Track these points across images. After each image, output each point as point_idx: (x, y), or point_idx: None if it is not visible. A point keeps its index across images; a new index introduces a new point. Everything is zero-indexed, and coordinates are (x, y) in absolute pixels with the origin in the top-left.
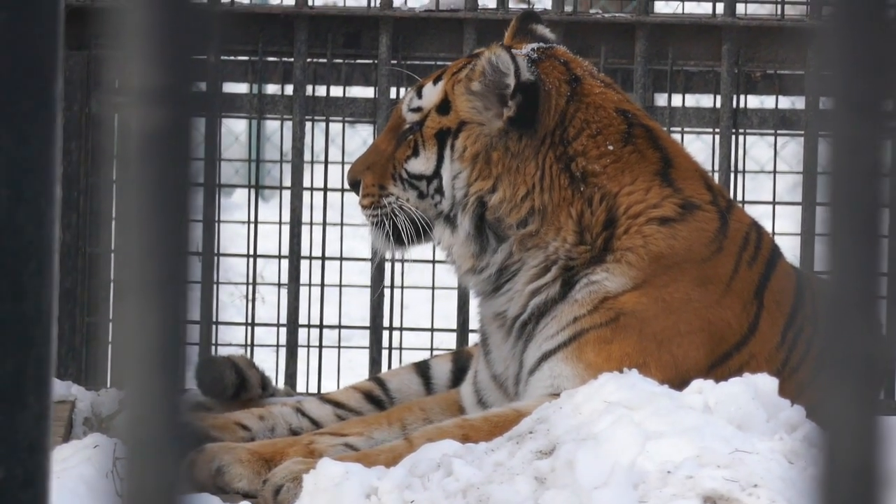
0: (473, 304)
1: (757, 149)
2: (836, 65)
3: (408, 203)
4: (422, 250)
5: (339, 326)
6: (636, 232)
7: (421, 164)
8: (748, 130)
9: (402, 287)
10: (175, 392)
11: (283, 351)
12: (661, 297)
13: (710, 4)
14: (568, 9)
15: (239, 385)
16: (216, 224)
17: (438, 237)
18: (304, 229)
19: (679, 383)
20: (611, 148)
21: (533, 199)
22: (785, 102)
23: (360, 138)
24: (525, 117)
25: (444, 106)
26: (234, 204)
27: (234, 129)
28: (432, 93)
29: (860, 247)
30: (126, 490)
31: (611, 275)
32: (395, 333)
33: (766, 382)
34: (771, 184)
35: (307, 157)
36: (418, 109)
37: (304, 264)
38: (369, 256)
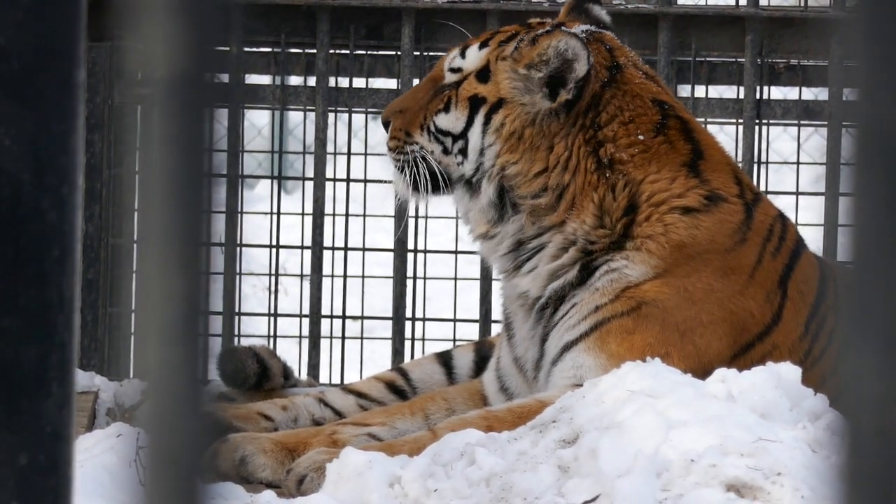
0: (496, 294)
1: (780, 141)
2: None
3: (431, 155)
4: (445, 243)
5: (362, 317)
6: (657, 220)
7: (450, 122)
8: (771, 121)
9: (425, 278)
10: (197, 380)
11: (305, 342)
12: (684, 287)
13: None
14: None
15: (261, 374)
16: (239, 215)
17: (458, 200)
18: (327, 220)
19: (702, 374)
20: (641, 137)
21: (548, 176)
22: (808, 94)
23: (383, 132)
24: (574, 100)
25: (483, 73)
26: (257, 196)
27: (257, 122)
28: (475, 57)
29: (886, 227)
30: (149, 478)
31: (631, 262)
32: (418, 324)
33: (789, 371)
34: (794, 176)
35: (330, 148)
36: (458, 70)
37: (326, 255)
38: (392, 247)
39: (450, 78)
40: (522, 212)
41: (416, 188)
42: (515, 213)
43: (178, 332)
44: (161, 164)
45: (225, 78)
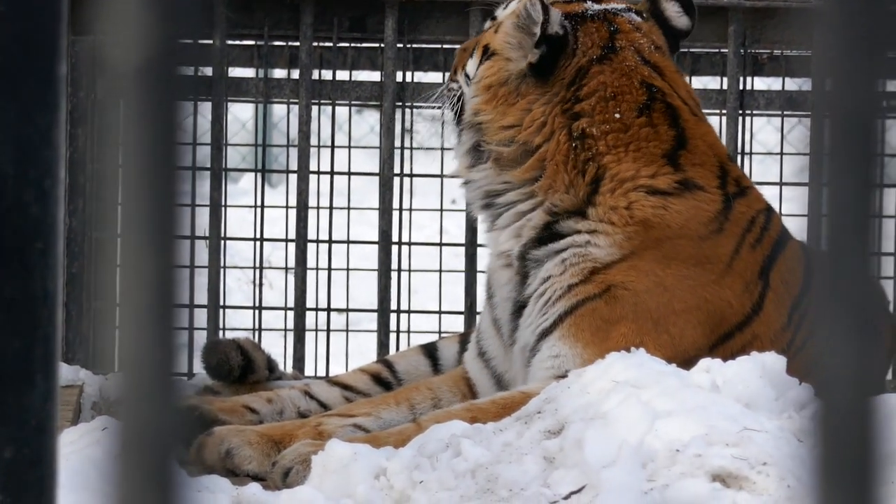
0: (481, 286)
1: (764, 133)
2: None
3: (464, 97)
4: (430, 235)
5: (347, 310)
6: (621, 194)
7: (470, 67)
8: (755, 112)
9: (410, 270)
10: (171, 368)
11: (290, 335)
12: (654, 272)
13: None
14: None
15: (245, 367)
16: (223, 209)
17: (455, 143)
18: (311, 213)
19: (678, 363)
20: (618, 115)
21: (519, 131)
22: (791, 85)
23: (367, 124)
24: (547, 67)
25: (501, 26)
26: (241, 190)
27: (241, 116)
28: (509, 10)
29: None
30: (120, 472)
31: (595, 237)
32: (403, 316)
33: (773, 361)
34: (777, 167)
35: (314, 141)
36: (494, 19)
37: (311, 248)
38: (376, 240)
39: (486, 26)
40: (489, 160)
41: (457, 122)
42: (486, 162)
43: (151, 321)
44: (132, 154)
45: (208, 71)
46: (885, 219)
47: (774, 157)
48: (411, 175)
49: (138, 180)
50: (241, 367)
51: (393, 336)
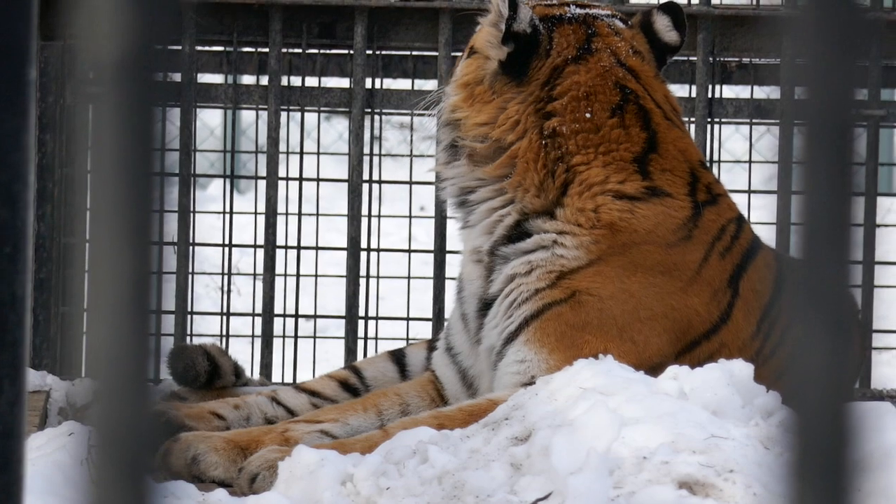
0: (450, 293)
1: (732, 141)
2: (807, 53)
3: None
4: (398, 242)
5: (315, 316)
6: (589, 197)
7: (458, 67)
8: (723, 120)
9: (378, 277)
10: (145, 377)
11: (258, 341)
12: (620, 278)
13: None
14: None
15: (211, 372)
16: (191, 215)
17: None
18: (280, 220)
19: (644, 371)
20: (588, 115)
21: (493, 128)
22: (759, 93)
23: (336, 131)
24: (517, 65)
25: None
26: (210, 196)
27: (210, 122)
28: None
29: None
30: (96, 475)
31: (561, 237)
32: (371, 323)
33: (741, 368)
34: (746, 176)
35: (282, 147)
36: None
37: (279, 254)
38: (345, 246)
39: (477, 28)
40: (464, 156)
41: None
42: (461, 159)
43: (121, 326)
44: (102, 160)
45: (177, 76)
46: (854, 227)
47: (743, 165)
48: (380, 182)
49: (108, 186)
50: (207, 373)
51: (361, 343)
